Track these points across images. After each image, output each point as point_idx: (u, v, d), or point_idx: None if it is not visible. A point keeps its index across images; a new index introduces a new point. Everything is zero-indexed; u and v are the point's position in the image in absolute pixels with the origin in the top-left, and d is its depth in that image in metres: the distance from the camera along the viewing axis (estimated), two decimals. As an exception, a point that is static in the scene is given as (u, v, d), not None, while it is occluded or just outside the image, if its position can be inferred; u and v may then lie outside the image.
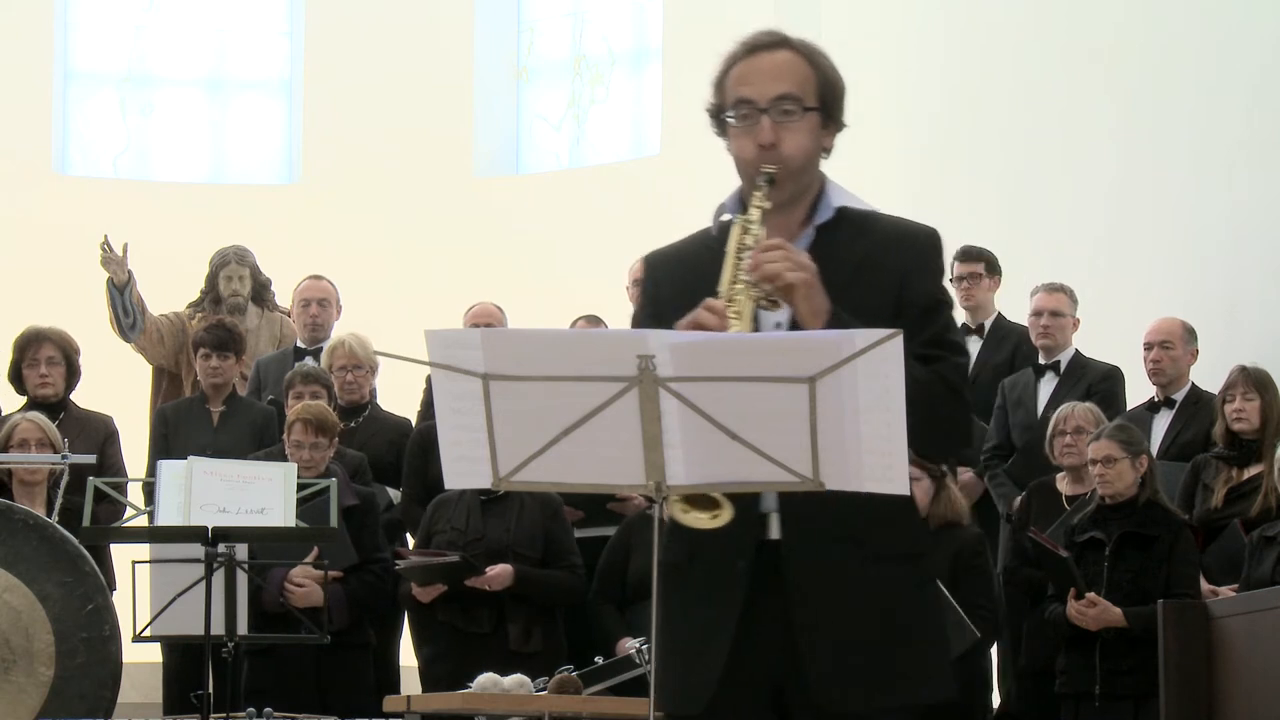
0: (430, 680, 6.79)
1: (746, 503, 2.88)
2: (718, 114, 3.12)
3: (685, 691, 3.00)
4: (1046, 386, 7.52)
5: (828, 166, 3.23)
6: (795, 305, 2.93)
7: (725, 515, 2.81)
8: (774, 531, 2.99)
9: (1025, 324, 7.79)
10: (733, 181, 3.19)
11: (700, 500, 2.80)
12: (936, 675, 3.08)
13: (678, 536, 3.03)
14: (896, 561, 3.04)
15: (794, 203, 3.09)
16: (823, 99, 3.11)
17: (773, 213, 3.01)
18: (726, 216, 3.12)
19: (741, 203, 3.11)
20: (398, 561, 6.76)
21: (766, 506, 2.99)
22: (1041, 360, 7.58)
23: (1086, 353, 7.62)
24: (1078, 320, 7.62)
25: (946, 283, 3.22)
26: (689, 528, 2.88)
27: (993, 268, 8.04)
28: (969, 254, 8.03)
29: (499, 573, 6.64)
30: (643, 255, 3.26)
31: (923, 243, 3.14)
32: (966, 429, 3.25)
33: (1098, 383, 7.46)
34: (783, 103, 3.06)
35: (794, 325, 2.97)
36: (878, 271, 3.05)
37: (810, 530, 2.96)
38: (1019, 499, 7.13)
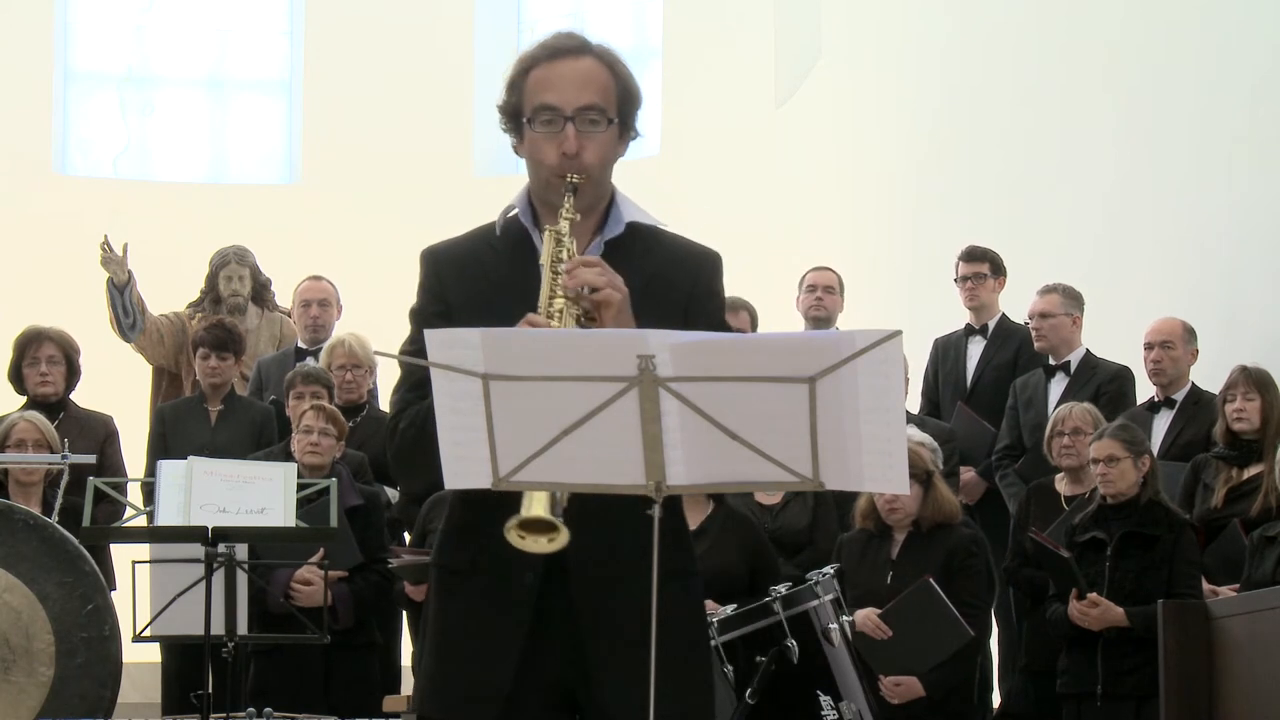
0: (423, 678, 6.80)
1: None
2: (513, 114, 3.11)
3: (473, 700, 3.01)
4: (1057, 387, 7.54)
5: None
6: (604, 324, 2.92)
7: (561, 539, 2.77)
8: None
9: (1027, 324, 7.80)
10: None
11: (537, 525, 2.76)
12: (708, 693, 3.15)
13: (462, 542, 3.06)
14: (675, 579, 3.04)
15: (586, 213, 3.08)
16: (622, 110, 3.11)
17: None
18: (514, 213, 3.14)
19: (530, 204, 3.13)
20: (391, 560, 6.76)
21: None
22: (1051, 361, 7.59)
23: (1087, 353, 7.64)
24: (1078, 317, 7.62)
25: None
26: (471, 536, 2.96)
27: (997, 268, 8.05)
28: (974, 254, 8.05)
29: (493, 572, 6.63)
30: (422, 250, 3.21)
31: (709, 266, 3.17)
32: None
33: (1107, 383, 7.47)
34: (588, 113, 3.06)
35: None
36: (665, 290, 3.06)
37: (594, 546, 2.96)
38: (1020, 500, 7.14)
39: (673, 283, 3.08)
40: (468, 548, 3.05)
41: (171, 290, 8.96)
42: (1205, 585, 6.27)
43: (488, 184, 12.03)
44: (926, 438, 6.78)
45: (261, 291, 8.76)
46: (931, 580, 6.25)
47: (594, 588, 3.00)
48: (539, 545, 2.77)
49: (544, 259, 2.98)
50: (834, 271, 8.39)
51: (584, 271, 2.91)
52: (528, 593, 3.00)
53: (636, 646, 2.92)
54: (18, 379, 7.64)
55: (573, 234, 3.00)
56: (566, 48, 3.11)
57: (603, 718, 3.02)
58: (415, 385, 2.98)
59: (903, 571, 6.38)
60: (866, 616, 6.25)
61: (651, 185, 11.13)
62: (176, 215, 11.55)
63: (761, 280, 8.32)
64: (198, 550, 5.68)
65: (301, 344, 8.32)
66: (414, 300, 3.18)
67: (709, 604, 5.65)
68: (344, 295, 8.53)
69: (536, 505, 2.76)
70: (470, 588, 3.05)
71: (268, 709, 5.88)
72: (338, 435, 6.88)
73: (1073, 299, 7.63)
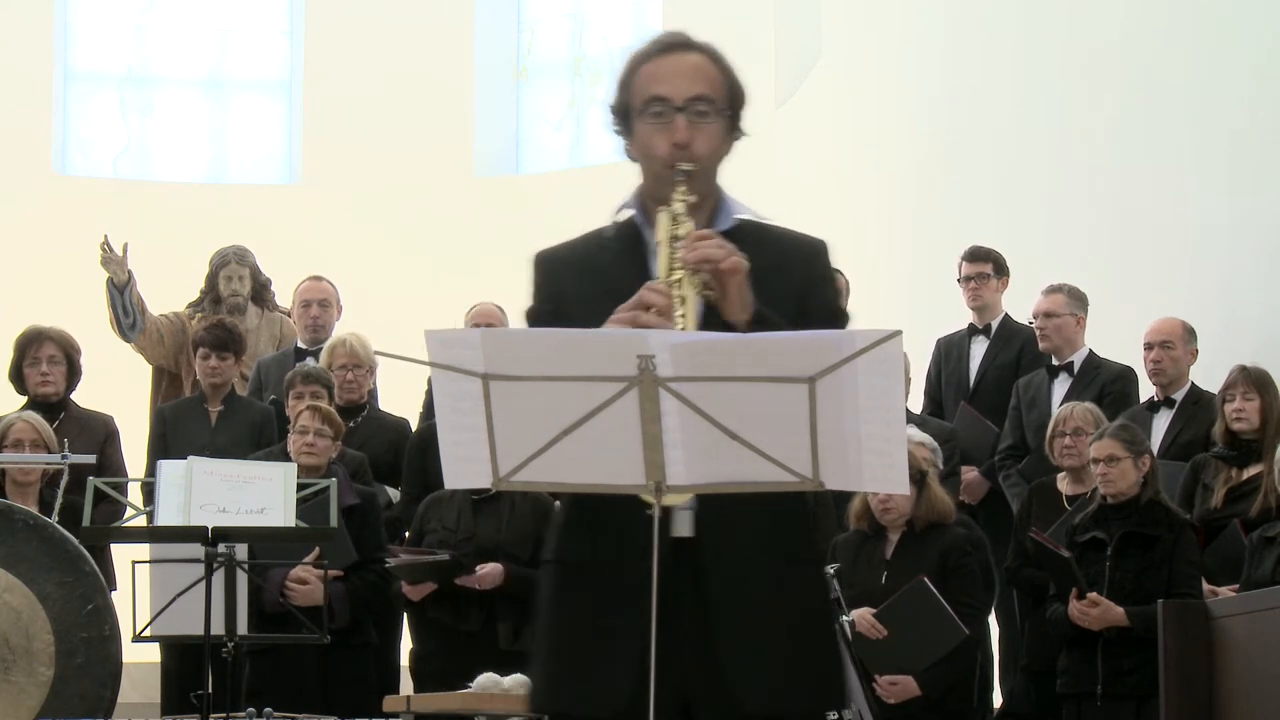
0: (420, 678, 6.82)
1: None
2: (624, 112, 3.14)
3: (596, 695, 2.97)
4: (1060, 387, 7.54)
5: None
6: (727, 294, 2.94)
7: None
8: (684, 529, 2.96)
9: (1029, 324, 7.80)
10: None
11: None
12: (837, 683, 3.15)
13: (578, 533, 3.04)
14: (802, 565, 3.07)
15: (696, 208, 3.08)
16: (730, 104, 3.13)
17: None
18: (627, 213, 3.15)
19: (642, 203, 3.13)
20: (388, 560, 6.77)
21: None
22: (1054, 361, 7.59)
23: (1087, 353, 7.64)
24: (1081, 318, 7.62)
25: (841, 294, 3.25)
26: (591, 524, 2.94)
27: (1000, 268, 8.05)
28: (977, 254, 8.06)
29: (489, 571, 6.65)
30: (535, 254, 3.23)
31: (820, 257, 3.19)
32: None
33: (1110, 383, 7.47)
34: (698, 103, 3.09)
35: (709, 314, 2.96)
36: (778, 282, 3.05)
37: (723, 529, 2.96)
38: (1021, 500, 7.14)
39: (785, 275, 3.08)
40: (584, 540, 3.02)
41: (171, 290, 8.96)
42: (1205, 585, 6.27)
43: (488, 184, 12.06)
44: (925, 437, 6.78)
45: (261, 291, 8.76)
46: (926, 579, 6.25)
47: (718, 573, 2.97)
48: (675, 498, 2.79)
49: (660, 235, 3.00)
50: (844, 275, 8.40)
51: (704, 245, 2.93)
52: (650, 580, 2.93)
53: (763, 633, 2.94)
54: (18, 379, 7.64)
55: (690, 215, 3.00)
56: (676, 43, 3.15)
57: (729, 706, 2.97)
58: None
59: (897, 571, 6.38)
60: (861, 616, 6.25)
61: (651, 185, 11.17)
62: (176, 215, 11.55)
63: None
64: (198, 550, 5.68)
65: (301, 344, 8.32)
66: (529, 303, 3.19)
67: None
68: (344, 295, 8.53)
69: None
70: (588, 580, 3.00)
71: (268, 709, 5.88)
72: (334, 435, 6.88)
73: (1077, 299, 7.63)
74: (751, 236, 3.11)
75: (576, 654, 3.02)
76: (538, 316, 3.12)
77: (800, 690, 3.00)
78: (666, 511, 2.90)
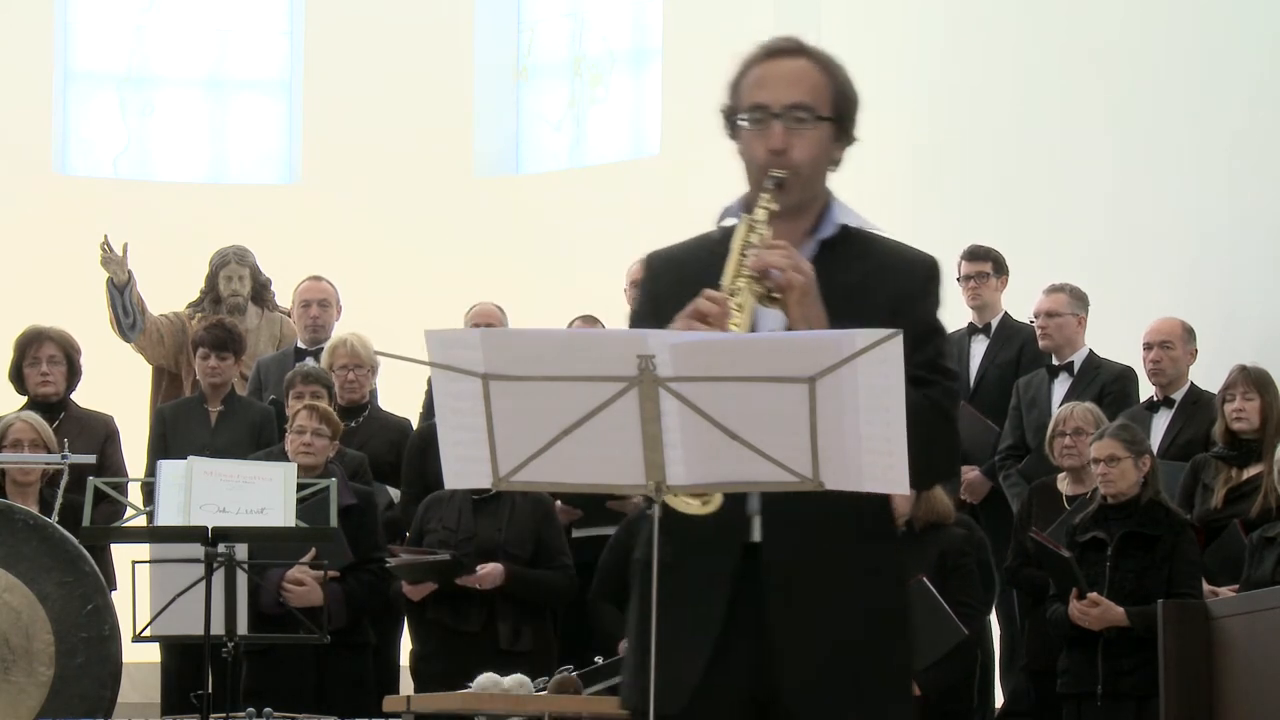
0: (420, 679, 6.81)
1: (732, 503, 2.88)
2: (731, 115, 3.13)
3: (663, 690, 2.96)
4: (1060, 387, 7.54)
5: (842, 165, 3.24)
6: (789, 308, 2.93)
7: (716, 501, 2.81)
8: (757, 534, 2.99)
9: (1029, 323, 7.80)
10: (734, 179, 3.20)
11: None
12: (904, 696, 3.10)
13: (663, 536, 3.04)
14: (876, 575, 3.05)
15: (799, 213, 3.09)
16: (836, 110, 3.12)
17: (777, 220, 3.02)
18: (730, 221, 3.12)
19: (747, 207, 3.11)
20: (388, 560, 6.77)
21: (751, 509, 2.99)
22: (1054, 361, 7.59)
23: (1086, 353, 7.64)
24: (1082, 318, 7.62)
25: (941, 311, 3.19)
26: (674, 527, 2.90)
27: (1000, 267, 8.05)
28: (976, 253, 8.05)
29: (490, 572, 6.65)
30: (643, 255, 3.25)
31: (922, 270, 3.14)
32: (956, 455, 3.27)
33: (1110, 383, 7.47)
34: (796, 110, 3.08)
35: (788, 327, 2.97)
36: (873, 294, 3.03)
37: (792, 536, 2.96)
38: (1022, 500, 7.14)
39: (882, 286, 3.06)
40: (670, 541, 2.99)
41: (171, 290, 8.96)
42: (1205, 585, 6.27)
43: (488, 184, 12.04)
44: (926, 437, 6.76)
45: (261, 291, 8.76)
46: (925, 579, 6.25)
47: (776, 579, 2.97)
48: (691, 507, 2.81)
49: (734, 242, 2.98)
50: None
51: (769, 253, 2.92)
52: (722, 581, 2.97)
53: (825, 643, 2.94)
54: (18, 379, 7.64)
55: (771, 224, 2.99)
56: (782, 48, 3.16)
57: (786, 711, 2.97)
58: None
59: (898, 571, 6.37)
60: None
61: (651, 185, 11.16)
62: (176, 215, 11.53)
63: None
64: (198, 550, 5.69)
65: (301, 344, 8.32)
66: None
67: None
68: (344, 295, 8.53)
69: None
70: (671, 579, 2.98)
71: (267, 709, 5.88)
72: (331, 435, 6.87)
73: (1078, 299, 7.63)
74: (856, 245, 3.12)
75: (648, 651, 3.02)
76: (637, 318, 3.15)
77: (855, 704, 2.98)
78: (744, 516, 2.95)
